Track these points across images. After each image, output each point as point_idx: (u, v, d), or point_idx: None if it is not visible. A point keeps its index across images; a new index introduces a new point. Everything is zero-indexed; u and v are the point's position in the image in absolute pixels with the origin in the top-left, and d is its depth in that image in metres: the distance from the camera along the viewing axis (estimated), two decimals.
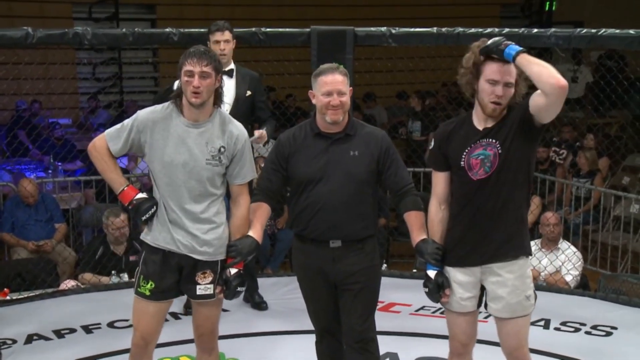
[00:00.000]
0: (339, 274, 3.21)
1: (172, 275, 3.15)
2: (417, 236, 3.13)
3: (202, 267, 3.14)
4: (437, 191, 3.09)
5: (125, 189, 3.15)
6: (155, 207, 3.12)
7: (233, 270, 3.14)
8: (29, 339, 4.38)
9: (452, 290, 3.05)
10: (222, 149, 3.09)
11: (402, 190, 3.21)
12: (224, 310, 4.52)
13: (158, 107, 3.14)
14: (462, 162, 2.97)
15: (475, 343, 3.19)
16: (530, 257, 3.10)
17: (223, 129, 3.10)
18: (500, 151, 2.91)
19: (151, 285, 3.14)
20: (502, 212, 2.96)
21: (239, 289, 3.15)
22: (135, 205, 3.13)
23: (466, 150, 2.96)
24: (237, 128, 3.15)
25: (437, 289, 3.04)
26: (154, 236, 3.15)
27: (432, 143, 3.10)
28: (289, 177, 3.25)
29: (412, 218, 3.17)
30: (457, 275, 3.05)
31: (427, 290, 3.08)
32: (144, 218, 3.13)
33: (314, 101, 3.20)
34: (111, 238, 5.44)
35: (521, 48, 2.82)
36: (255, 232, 3.17)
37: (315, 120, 3.23)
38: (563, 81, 2.73)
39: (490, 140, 2.94)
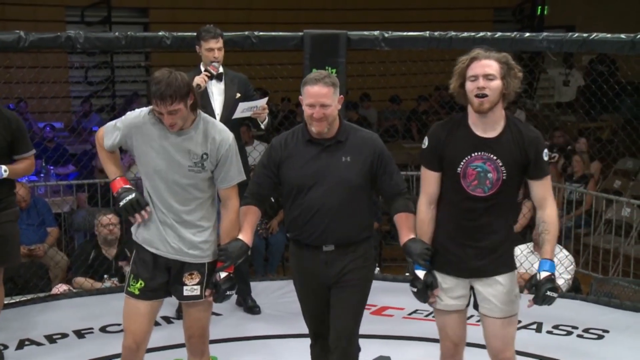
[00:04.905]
0: (331, 276, 3.20)
1: (162, 275, 3.17)
2: (406, 236, 3.11)
3: (189, 268, 3.15)
4: (428, 191, 3.05)
5: (116, 179, 3.20)
6: (134, 195, 3.12)
7: (223, 274, 3.13)
8: (21, 345, 4.36)
9: (440, 290, 3.04)
10: (205, 156, 3.09)
11: (395, 194, 3.21)
12: (217, 314, 4.53)
13: (144, 111, 3.12)
14: (458, 169, 2.95)
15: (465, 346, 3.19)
16: (515, 270, 3.11)
17: (206, 135, 3.10)
18: (504, 177, 2.91)
19: (141, 284, 3.15)
20: (492, 229, 2.97)
21: (228, 292, 3.16)
22: (119, 193, 3.17)
23: (466, 158, 2.94)
24: (220, 133, 3.13)
25: (426, 289, 3.03)
26: (144, 237, 3.17)
27: (426, 142, 3.05)
28: (280, 183, 3.25)
29: (402, 219, 3.16)
30: (445, 277, 3.05)
31: (415, 290, 3.05)
32: (121, 204, 3.14)
33: (303, 108, 3.19)
34: (101, 239, 5.42)
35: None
36: (246, 236, 3.17)
37: (306, 127, 3.21)
38: None
39: (491, 156, 2.92)
